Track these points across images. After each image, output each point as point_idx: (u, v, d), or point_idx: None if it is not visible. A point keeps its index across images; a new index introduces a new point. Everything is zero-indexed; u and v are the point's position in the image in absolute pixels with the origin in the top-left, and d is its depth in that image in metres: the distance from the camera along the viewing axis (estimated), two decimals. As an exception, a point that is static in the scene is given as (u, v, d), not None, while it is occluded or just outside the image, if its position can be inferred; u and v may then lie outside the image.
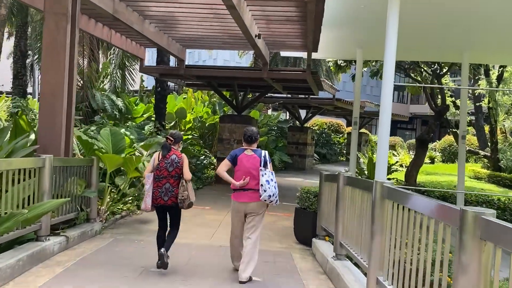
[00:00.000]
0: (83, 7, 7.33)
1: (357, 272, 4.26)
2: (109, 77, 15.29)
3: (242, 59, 29.14)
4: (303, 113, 20.37)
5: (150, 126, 13.10)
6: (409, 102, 42.52)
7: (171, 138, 4.71)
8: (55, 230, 5.26)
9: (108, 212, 6.81)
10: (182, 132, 13.89)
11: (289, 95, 17.07)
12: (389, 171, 10.47)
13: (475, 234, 2.03)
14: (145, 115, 15.00)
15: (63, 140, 5.62)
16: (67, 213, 5.51)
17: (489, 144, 16.56)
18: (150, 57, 24.44)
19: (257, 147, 4.74)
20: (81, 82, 13.57)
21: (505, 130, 19.15)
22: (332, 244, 5.15)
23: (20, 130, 5.75)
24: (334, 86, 18.06)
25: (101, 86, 14.56)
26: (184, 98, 16.88)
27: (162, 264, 4.66)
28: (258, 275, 4.65)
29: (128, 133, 9.37)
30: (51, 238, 4.93)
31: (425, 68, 11.73)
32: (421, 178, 11.55)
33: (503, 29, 7.03)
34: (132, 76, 16.26)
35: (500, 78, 14.49)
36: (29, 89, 26.06)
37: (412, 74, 11.99)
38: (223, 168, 4.48)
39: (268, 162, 4.49)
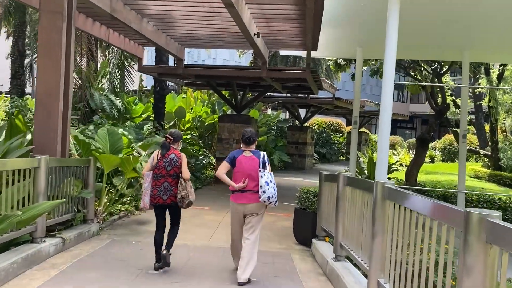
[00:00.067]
0: (80, 6, 7.26)
1: (358, 274, 4.19)
2: (107, 76, 15.22)
3: (241, 58, 29.06)
4: (302, 112, 20.30)
5: (149, 126, 13.02)
6: (409, 101, 42.47)
7: (170, 137, 4.71)
8: (51, 231, 5.19)
9: (106, 213, 6.73)
10: (181, 132, 13.82)
11: (289, 95, 17.00)
12: (389, 170, 10.41)
13: (480, 237, 1.96)
14: (144, 115, 14.92)
15: (59, 140, 5.55)
16: (63, 214, 5.44)
17: (489, 143, 16.49)
18: (149, 56, 24.38)
19: (257, 147, 4.69)
20: (79, 81, 13.51)
21: (505, 129, 19.09)
22: (332, 245, 5.08)
23: (15, 130, 5.68)
24: (334, 85, 17.99)
25: (100, 85, 14.49)
26: (183, 97, 16.81)
27: (161, 265, 4.66)
28: (257, 277, 4.58)
29: (126, 133, 9.29)
30: (46, 240, 4.86)
31: (425, 67, 11.66)
32: (421, 177, 11.49)
33: (504, 28, 6.96)
34: (131, 75, 16.18)
35: (500, 76, 14.43)
36: (29, 89, 26.00)
37: (412, 73, 11.92)
38: (222, 171, 4.46)
39: (266, 163, 4.47)
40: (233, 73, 11.37)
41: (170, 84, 18.31)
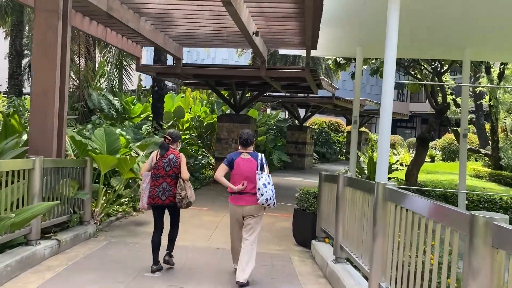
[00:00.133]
0: (76, 4, 7.18)
1: (358, 277, 4.11)
2: (106, 76, 15.14)
3: (240, 58, 28.95)
4: (302, 112, 20.21)
5: (147, 126, 12.95)
6: (408, 101, 42.37)
7: (169, 137, 4.70)
8: (47, 233, 5.11)
9: (103, 214, 6.65)
10: (180, 132, 13.75)
11: (288, 94, 16.92)
12: (390, 170, 10.33)
13: (486, 242, 1.88)
14: (142, 115, 14.85)
15: (55, 141, 5.47)
16: (59, 216, 5.36)
17: (490, 142, 16.42)
18: (148, 56, 24.28)
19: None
20: (77, 81, 13.43)
21: (505, 128, 19.02)
22: (332, 246, 5.00)
23: (10, 131, 5.60)
24: (334, 85, 17.91)
25: (98, 85, 14.40)
26: (182, 97, 16.73)
27: (158, 268, 4.62)
28: (255, 279, 4.51)
29: (124, 133, 9.22)
30: (41, 242, 4.78)
31: (425, 66, 11.59)
32: (421, 177, 11.41)
33: (505, 26, 6.90)
34: (130, 75, 16.09)
35: (501, 75, 14.37)
36: (28, 89, 25.87)
37: (412, 72, 11.85)
38: (220, 173, 4.45)
39: (264, 165, 4.46)
40: (232, 72, 11.29)
41: (169, 84, 18.26)
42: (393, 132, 31.96)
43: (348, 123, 27.37)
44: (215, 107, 16.87)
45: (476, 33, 7.55)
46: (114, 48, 14.39)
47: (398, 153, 22.62)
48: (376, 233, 3.40)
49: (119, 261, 4.95)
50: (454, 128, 12.88)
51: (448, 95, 12.59)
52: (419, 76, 11.92)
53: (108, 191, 7.36)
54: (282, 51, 13.57)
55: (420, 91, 11.91)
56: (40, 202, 4.57)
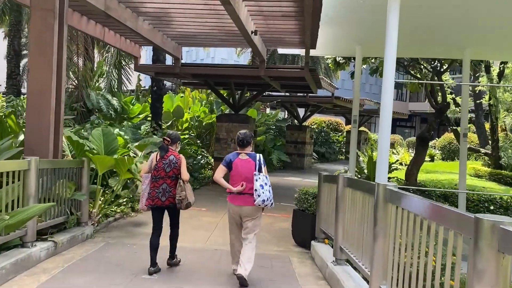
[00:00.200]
0: (73, 4, 7.12)
1: (358, 278, 4.05)
2: (105, 76, 15.07)
3: (240, 57, 28.87)
4: (301, 111, 20.15)
5: (146, 126, 12.88)
6: (408, 100, 42.31)
7: (168, 139, 4.71)
8: (44, 235, 5.05)
9: (101, 215, 6.59)
10: (179, 132, 13.68)
11: (287, 94, 16.85)
12: (389, 169, 10.26)
13: (491, 246, 1.82)
14: (141, 115, 14.78)
15: (51, 141, 5.41)
16: (56, 217, 5.29)
17: (489, 141, 16.37)
18: (148, 55, 24.20)
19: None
20: (76, 81, 13.36)
21: (505, 127, 18.97)
22: (332, 247, 4.94)
23: (6, 131, 5.53)
24: (333, 84, 17.85)
25: (96, 85, 14.33)
26: (182, 97, 16.67)
27: (156, 270, 4.58)
28: (254, 281, 4.47)
29: (122, 133, 9.16)
30: (37, 244, 4.71)
31: (425, 65, 11.54)
32: (421, 176, 11.34)
33: (505, 25, 6.84)
34: (129, 75, 16.03)
35: (501, 74, 14.31)
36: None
37: (411, 71, 11.79)
38: (219, 175, 4.47)
39: (262, 166, 4.46)
40: (231, 72, 11.22)
41: (168, 83, 18.19)
42: (393, 131, 31.80)
43: (348, 122, 27.32)
44: (214, 107, 16.81)
45: (476, 33, 7.50)
46: (112, 47, 14.32)
47: (397, 152, 22.57)
48: (377, 235, 3.34)
49: (117, 263, 4.89)
50: (454, 128, 12.82)
51: (448, 94, 12.53)
52: (419, 76, 11.87)
53: (106, 191, 7.30)
54: (281, 51, 13.50)
55: (420, 90, 11.86)
56: (36, 204, 4.50)
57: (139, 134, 11.12)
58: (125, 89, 16.61)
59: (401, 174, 11.38)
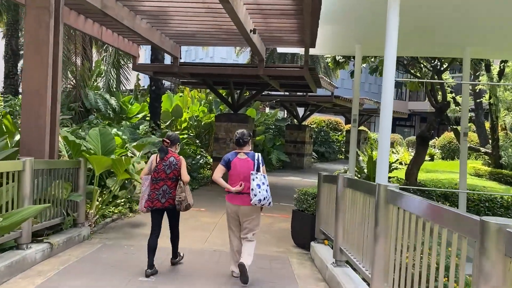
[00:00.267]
0: (70, 2, 7.05)
1: (359, 281, 3.98)
2: (103, 75, 14.99)
3: (239, 57, 28.78)
4: (301, 111, 20.08)
5: (145, 126, 12.81)
6: (407, 99, 42.25)
7: (167, 141, 4.70)
8: (40, 236, 4.97)
9: (98, 216, 6.51)
10: (178, 132, 13.61)
11: (287, 93, 16.77)
12: (389, 169, 10.20)
13: (498, 250, 1.75)
14: (140, 115, 14.70)
15: (47, 141, 5.33)
16: (52, 219, 5.22)
17: (489, 140, 16.31)
18: (147, 55, 24.12)
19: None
20: (74, 81, 13.28)
21: (505, 126, 18.90)
22: (332, 248, 4.87)
23: (1, 131, 5.45)
24: (333, 83, 17.77)
25: (95, 84, 14.25)
26: (181, 96, 16.59)
27: (153, 272, 4.51)
28: (253, 282, 4.41)
29: (120, 133, 9.08)
30: (33, 246, 4.64)
31: (425, 64, 11.47)
32: (421, 176, 11.28)
33: (506, 24, 6.78)
34: (127, 75, 15.94)
35: (501, 73, 14.25)
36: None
37: (411, 70, 11.73)
38: (218, 174, 4.47)
39: (261, 165, 4.46)
40: (230, 71, 11.14)
41: (167, 83, 18.10)
42: (392, 130, 31.59)
43: (347, 122, 27.25)
44: (213, 107, 16.73)
45: (476, 33, 7.46)
46: (111, 47, 14.24)
47: (397, 152, 22.50)
48: (378, 236, 3.27)
49: (113, 264, 4.82)
50: (454, 127, 12.75)
51: (448, 93, 12.47)
52: (419, 74, 11.80)
53: (104, 192, 7.22)
54: (280, 49, 13.41)
55: (420, 89, 11.80)
56: (31, 205, 4.43)
57: (137, 134, 11.04)
58: (124, 88, 16.52)
59: (401, 173, 11.32)
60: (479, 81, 15.22)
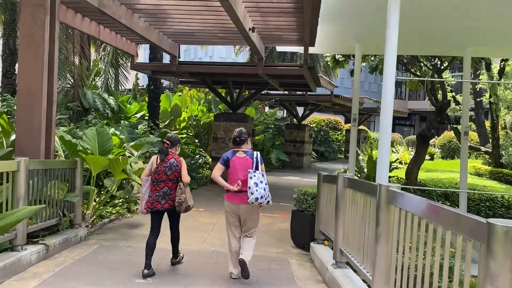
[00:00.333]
0: (67, 0, 6.97)
1: (360, 283, 3.91)
2: (101, 74, 14.90)
3: (238, 56, 28.72)
4: (300, 110, 20.00)
5: (143, 125, 12.72)
6: (407, 98, 42.20)
7: (168, 142, 4.68)
8: (35, 237, 4.90)
9: (95, 217, 6.44)
10: (176, 131, 13.54)
11: (286, 92, 16.70)
12: (389, 168, 10.13)
13: (505, 252, 1.68)
14: (138, 114, 14.61)
15: (43, 141, 5.26)
16: (47, 219, 5.14)
17: (490, 140, 16.25)
18: (146, 54, 24.02)
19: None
20: (72, 80, 13.19)
21: (505, 125, 18.84)
22: (332, 249, 4.80)
23: (-3, 131, 5.37)
24: (332, 82, 17.70)
25: (93, 84, 14.16)
26: (180, 95, 16.50)
27: (150, 273, 4.44)
28: (252, 283, 4.35)
29: (118, 132, 9.00)
30: (28, 247, 4.56)
31: (425, 63, 11.41)
32: (421, 175, 11.21)
33: (507, 22, 6.72)
34: (126, 74, 15.85)
35: (501, 72, 14.19)
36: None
37: (411, 69, 11.67)
38: (217, 173, 4.45)
39: (260, 164, 4.43)
40: (228, 70, 11.07)
41: (166, 83, 18.03)
42: (392, 130, 31.41)
43: (347, 121, 27.18)
44: (212, 106, 16.65)
45: (478, 29, 7.39)
46: (109, 46, 14.15)
47: (397, 151, 22.45)
48: (379, 238, 3.20)
49: (110, 266, 4.74)
50: (454, 126, 12.69)
51: (448, 92, 12.41)
52: (419, 73, 11.74)
53: (102, 192, 7.15)
54: (279, 48, 13.33)
55: (420, 88, 11.74)
56: (25, 206, 4.35)
57: (136, 134, 10.96)
58: (123, 88, 16.44)
59: (401, 173, 11.26)
60: (480, 80, 15.16)
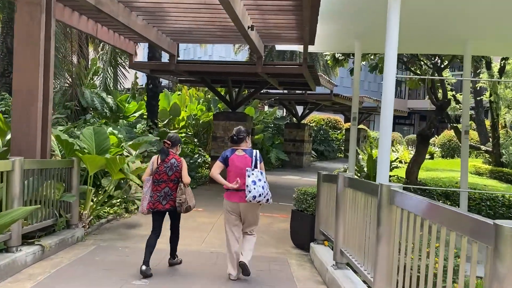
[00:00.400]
0: (62, -3, 6.89)
1: (361, 285, 3.84)
2: (100, 73, 14.82)
3: (237, 55, 28.65)
4: (300, 109, 19.94)
5: (142, 125, 12.65)
6: (407, 97, 42.15)
7: (168, 142, 4.65)
8: (31, 238, 4.83)
9: (92, 217, 6.37)
10: (175, 131, 13.47)
11: (286, 91, 16.63)
12: (390, 168, 10.07)
13: (514, 256, 1.61)
14: (137, 113, 14.54)
15: (39, 141, 5.19)
16: (43, 220, 5.06)
17: (490, 139, 16.19)
18: (146, 53, 23.94)
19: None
20: (70, 79, 13.12)
21: (506, 124, 18.79)
22: (332, 249, 4.74)
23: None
24: (332, 81, 17.63)
25: (91, 83, 14.09)
26: (179, 94, 16.43)
27: (147, 272, 4.36)
28: (251, 284, 4.28)
29: (116, 131, 8.93)
30: (23, 249, 4.49)
31: (425, 61, 11.34)
32: (421, 174, 11.15)
33: (507, 20, 6.66)
34: (125, 73, 15.76)
35: (502, 70, 14.13)
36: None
37: (411, 68, 11.59)
38: (216, 171, 4.44)
39: (259, 162, 4.41)
40: (227, 68, 10.99)
41: (165, 82, 17.94)
42: (392, 129, 31.42)
43: (347, 120, 27.12)
44: (212, 105, 16.58)
45: (479, 27, 7.33)
46: (107, 45, 14.07)
47: (397, 150, 22.39)
48: (380, 238, 3.14)
49: (107, 267, 4.68)
50: (454, 125, 12.63)
51: (448, 91, 12.35)
52: (419, 72, 11.67)
53: (99, 192, 7.08)
54: (279, 47, 13.26)
55: (420, 87, 11.68)
56: (20, 206, 4.28)
57: (134, 133, 10.89)
58: (122, 87, 16.35)
59: (401, 172, 11.20)
60: (480, 78, 15.10)
